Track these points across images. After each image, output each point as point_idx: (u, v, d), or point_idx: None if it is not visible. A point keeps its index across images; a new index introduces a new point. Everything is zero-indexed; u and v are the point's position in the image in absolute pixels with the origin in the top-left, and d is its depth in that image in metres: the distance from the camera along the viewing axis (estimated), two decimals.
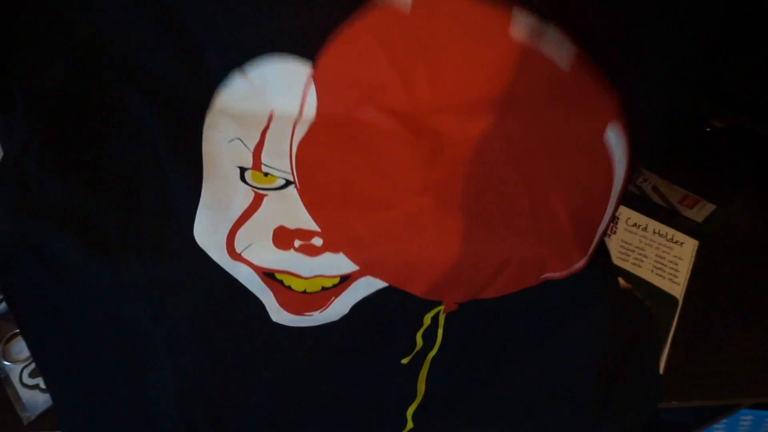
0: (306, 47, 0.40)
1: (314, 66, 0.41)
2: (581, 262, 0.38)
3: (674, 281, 0.53)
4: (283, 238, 0.36)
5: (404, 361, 0.38)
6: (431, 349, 0.38)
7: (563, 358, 0.39)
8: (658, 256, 0.54)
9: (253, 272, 0.36)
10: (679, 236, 0.55)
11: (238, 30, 0.41)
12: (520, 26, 0.40)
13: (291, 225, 0.37)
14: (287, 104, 0.42)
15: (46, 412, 0.44)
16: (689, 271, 0.53)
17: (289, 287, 0.37)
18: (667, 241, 0.54)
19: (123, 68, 0.41)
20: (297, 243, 0.36)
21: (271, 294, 0.37)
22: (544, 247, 0.38)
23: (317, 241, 0.36)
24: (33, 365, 0.45)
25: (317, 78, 0.42)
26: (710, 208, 0.55)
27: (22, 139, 0.38)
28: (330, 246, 0.36)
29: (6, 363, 0.45)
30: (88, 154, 0.39)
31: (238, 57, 0.41)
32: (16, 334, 0.46)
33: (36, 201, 0.37)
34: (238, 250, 0.36)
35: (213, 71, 0.41)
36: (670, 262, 0.53)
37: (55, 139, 0.39)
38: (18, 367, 0.46)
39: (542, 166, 0.39)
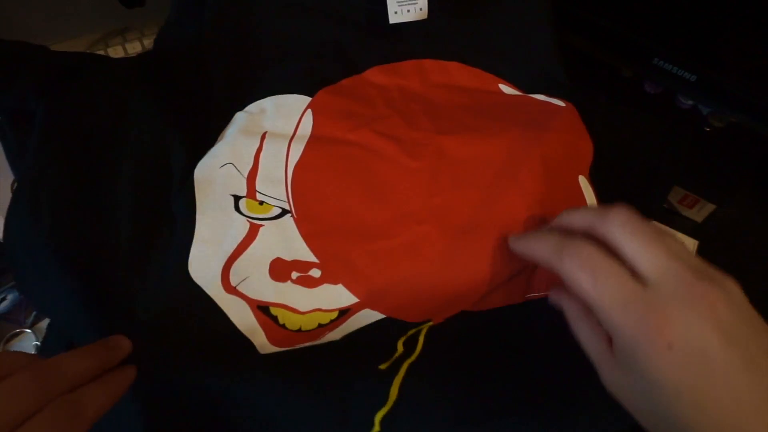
0: (309, 90, 0.43)
1: (312, 96, 0.42)
2: None
3: None
4: (280, 270, 0.36)
5: (382, 366, 0.37)
6: (410, 355, 0.38)
7: (541, 373, 0.38)
8: None
9: (247, 306, 0.35)
10: (679, 236, 0.54)
11: (248, 81, 0.44)
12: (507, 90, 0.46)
13: (288, 256, 0.36)
14: (282, 126, 0.41)
15: None
16: None
17: (283, 326, 0.35)
18: None
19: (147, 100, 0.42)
20: (294, 275, 0.35)
21: (262, 334, 0.35)
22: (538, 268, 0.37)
23: (315, 273, 0.36)
24: None
25: (314, 105, 0.42)
26: (710, 208, 0.54)
27: (39, 163, 0.38)
28: (329, 277, 0.36)
29: None
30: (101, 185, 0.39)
31: (243, 101, 0.43)
32: (16, 334, 0.46)
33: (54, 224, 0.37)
34: (233, 284, 0.35)
35: (219, 111, 0.43)
36: None
37: (69, 168, 0.39)
38: None
39: (540, 187, 0.39)
